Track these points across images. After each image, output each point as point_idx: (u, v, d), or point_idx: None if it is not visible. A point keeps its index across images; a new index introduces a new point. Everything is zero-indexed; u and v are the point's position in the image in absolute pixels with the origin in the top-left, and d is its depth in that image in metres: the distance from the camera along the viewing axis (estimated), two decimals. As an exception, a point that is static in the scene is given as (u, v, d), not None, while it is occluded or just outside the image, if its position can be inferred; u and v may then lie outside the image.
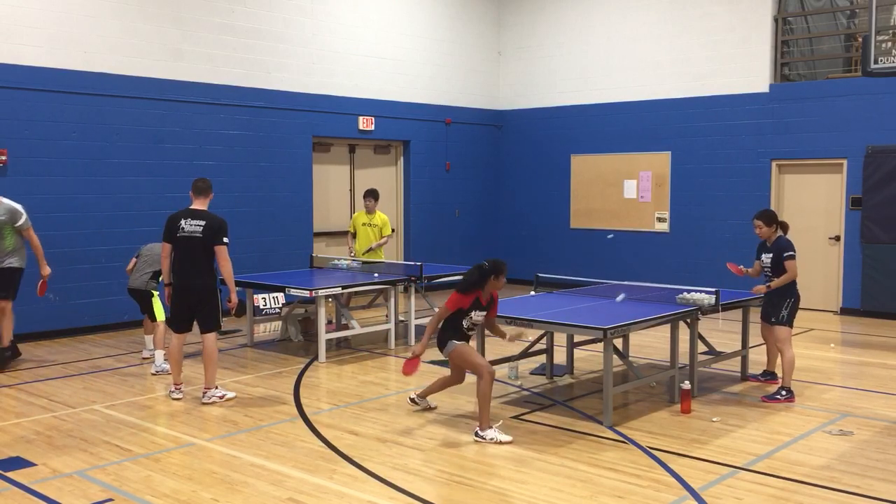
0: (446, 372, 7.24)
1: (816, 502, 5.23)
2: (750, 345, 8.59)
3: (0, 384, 8.22)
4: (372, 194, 11.31)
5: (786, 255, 7.65)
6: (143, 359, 9.32)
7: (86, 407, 7.40)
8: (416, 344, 7.04)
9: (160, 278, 8.85)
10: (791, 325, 7.73)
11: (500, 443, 6.36)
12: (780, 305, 7.71)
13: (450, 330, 6.65)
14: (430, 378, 7.61)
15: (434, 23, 15.05)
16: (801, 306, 7.89)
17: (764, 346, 8.43)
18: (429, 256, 13.81)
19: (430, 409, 7.26)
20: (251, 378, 8.51)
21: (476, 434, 6.46)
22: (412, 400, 7.32)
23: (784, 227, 8.03)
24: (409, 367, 6.75)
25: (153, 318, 8.95)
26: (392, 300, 10.14)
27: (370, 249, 11.18)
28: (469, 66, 15.72)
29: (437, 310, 6.80)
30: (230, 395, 7.65)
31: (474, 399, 7.53)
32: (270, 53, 12.57)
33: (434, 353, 7.63)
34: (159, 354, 8.68)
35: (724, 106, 13.55)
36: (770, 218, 7.85)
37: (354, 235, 11.39)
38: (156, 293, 8.93)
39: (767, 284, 7.82)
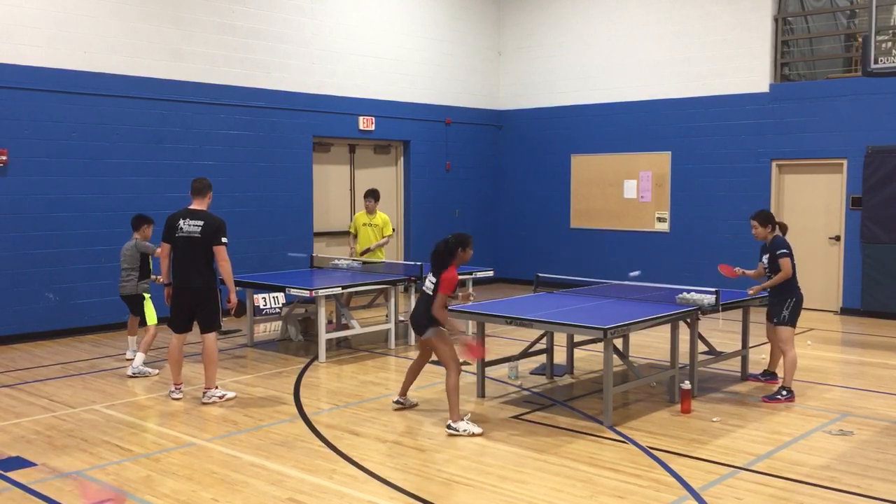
0: (440, 370, 7.23)
1: (816, 502, 5.23)
2: (750, 345, 8.59)
3: (0, 384, 8.23)
4: (373, 195, 11.31)
5: (779, 252, 7.65)
6: (127, 360, 9.17)
7: (86, 407, 7.40)
8: (462, 334, 7.00)
9: (149, 278, 8.86)
10: (794, 325, 7.72)
11: (473, 434, 6.42)
12: (782, 306, 7.71)
13: (431, 314, 6.70)
14: (426, 375, 7.60)
15: (434, 23, 15.05)
16: (801, 306, 7.89)
17: (763, 346, 8.42)
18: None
19: (413, 406, 7.28)
20: (251, 378, 8.51)
21: (448, 427, 6.50)
22: (397, 402, 7.32)
23: (783, 227, 8.03)
24: (477, 351, 7.09)
25: (144, 322, 8.86)
26: (392, 300, 10.14)
27: (368, 250, 11.15)
28: (469, 66, 15.71)
29: (436, 301, 6.68)
30: (230, 394, 7.65)
31: (473, 398, 7.57)
32: (270, 53, 12.57)
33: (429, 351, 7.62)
34: (140, 357, 8.56)
35: (724, 106, 13.54)
36: (766, 218, 7.84)
37: (356, 236, 11.38)
38: (147, 295, 8.90)
39: (760, 284, 7.83)
